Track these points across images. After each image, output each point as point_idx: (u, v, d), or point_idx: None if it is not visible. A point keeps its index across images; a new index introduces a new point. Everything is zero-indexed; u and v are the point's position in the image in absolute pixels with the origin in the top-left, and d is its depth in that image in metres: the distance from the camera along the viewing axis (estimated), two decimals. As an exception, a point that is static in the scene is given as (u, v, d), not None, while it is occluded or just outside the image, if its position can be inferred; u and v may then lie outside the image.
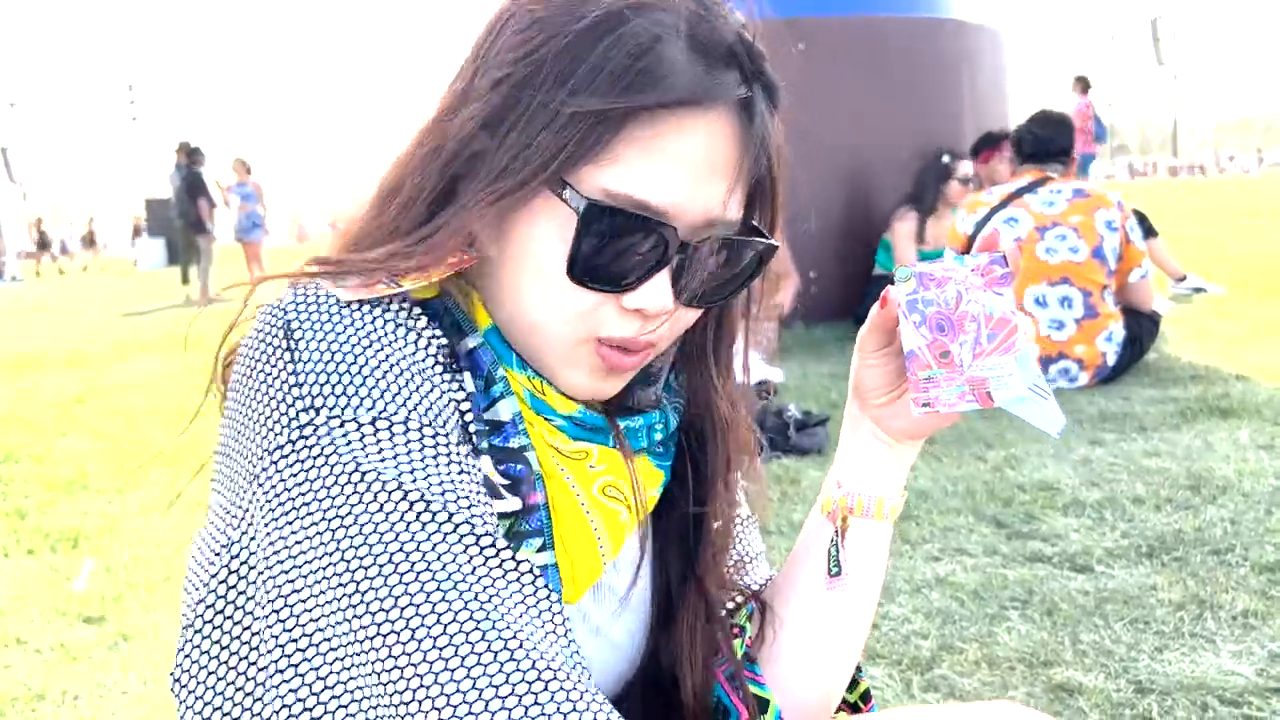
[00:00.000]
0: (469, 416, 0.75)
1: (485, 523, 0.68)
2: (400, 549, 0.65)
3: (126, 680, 2.18)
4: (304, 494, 0.67)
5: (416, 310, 0.74)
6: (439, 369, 0.73)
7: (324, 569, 0.66)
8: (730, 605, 0.93)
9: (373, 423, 0.68)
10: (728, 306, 0.86)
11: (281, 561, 0.67)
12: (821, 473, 3.27)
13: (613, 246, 0.72)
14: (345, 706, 0.66)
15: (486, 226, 0.74)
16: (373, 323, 0.71)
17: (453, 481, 0.68)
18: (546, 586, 0.69)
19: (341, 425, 0.68)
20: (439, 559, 0.65)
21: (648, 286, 0.73)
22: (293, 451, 0.68)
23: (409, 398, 0.69)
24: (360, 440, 0.67)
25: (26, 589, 2.75)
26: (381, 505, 0.66)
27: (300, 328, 0.71)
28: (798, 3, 6.66)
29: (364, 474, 0.66)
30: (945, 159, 6.16)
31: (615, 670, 0.86)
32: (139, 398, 5.66)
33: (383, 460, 0.67)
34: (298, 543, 0.67)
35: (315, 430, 0.68)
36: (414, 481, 0.67)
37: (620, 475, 0.80)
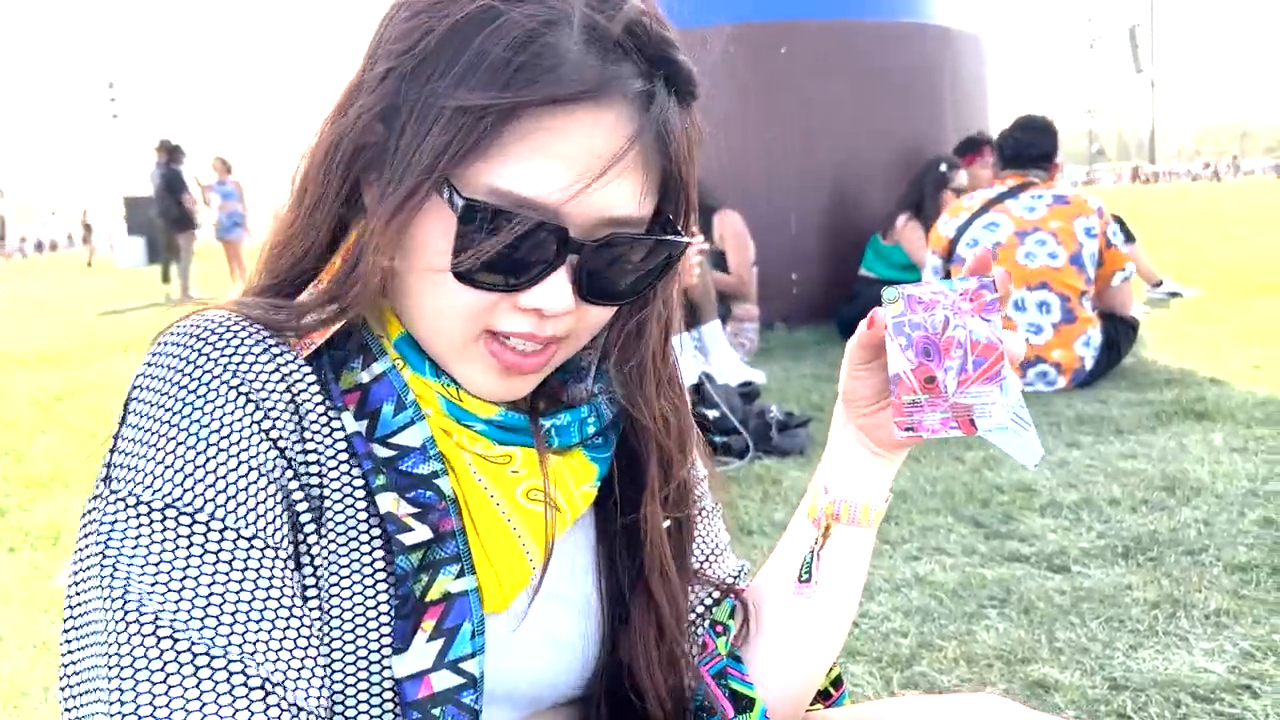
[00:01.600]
0: (335, 468, 0.74)
1: (242, 658, 0.65)
2: (132, 673, 0.64)
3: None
4: (78, 569, 0.70)
5: (287, 361, 0.73)
6: (266, 446, 0.70)
7: (78, 663, 0.70)
8: (709, 601, 0.94)
9: (136, 505, 0.67)
10: (645, 301, 0.83)
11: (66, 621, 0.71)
12: (803, 473, 3.29)
13: (498, 246, 0.69)
14: None
15: (388, 235, 0.72)
16: (205, 398, 0.69)
17: (193, 584, 0.66)
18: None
19: (125, 507, 0.68)
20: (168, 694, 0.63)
21: (543, 286, 0.72)
22: (87, 514, 0.72)
23: (207, 483, 0.68)
24: (135, 529, 0.67)
25: (7, 586, 2.74)
26: (127, 627, 0.65)
27: (134, 401, 0.72)
28: (781, 6, 6.71)
29: (118, 587, 0.66)
30: (943, 168, 6.18)
31: (570, 670, 0.85)
32: (118, 397, 5.60)
33: (145, 564, 0.66)
34: (71, 610, 0.71)
35: (106, 501, 0.69)
36: (162, 607, 0.65)
37: (552, 476, 0.80)
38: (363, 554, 0.74)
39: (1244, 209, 18.81)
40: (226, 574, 0.66)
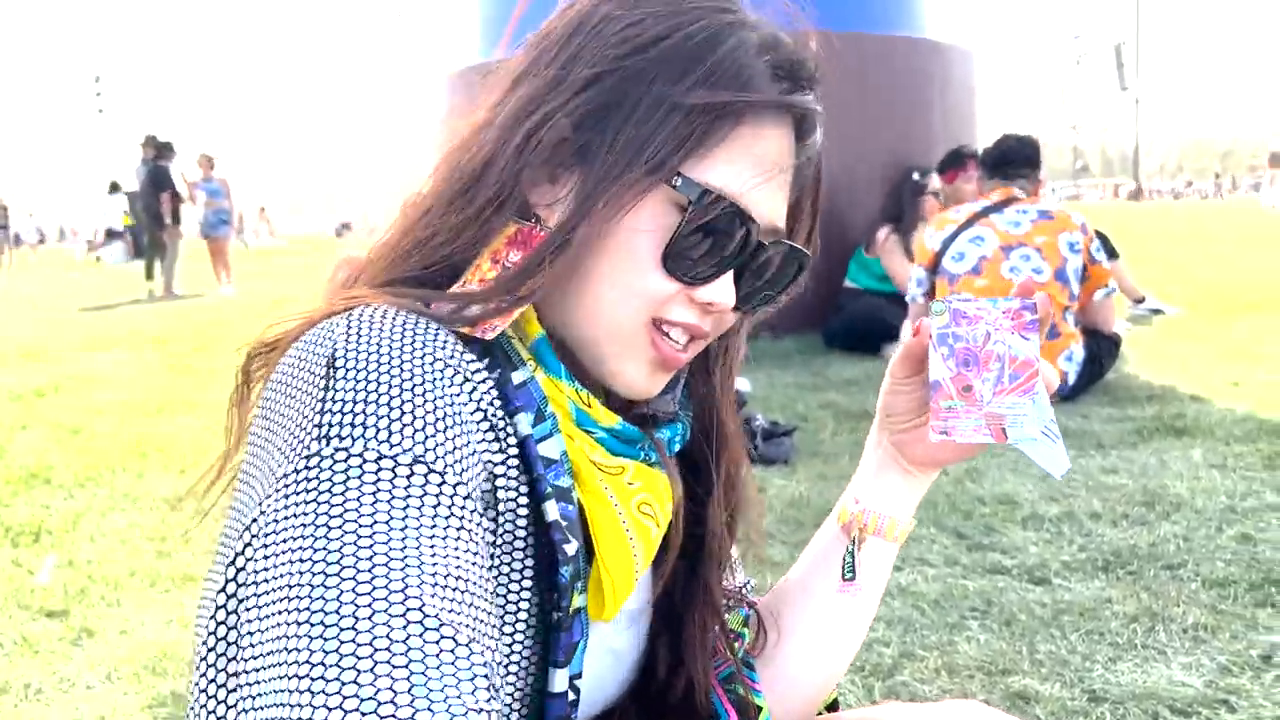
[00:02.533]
0: (512, 467, 0.71)
1: (454, 614, 0.59)
2: (354, 627, 0.56)
3: (89, 675, 2.17)
4: (293, 528, 0.61)
5: (468, 354, 0.70)
6: (483, 423, 0.69)
7: (281, 626, 0.58)
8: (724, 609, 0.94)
9: (377, 460, 0.62)
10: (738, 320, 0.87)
11: (258, 597, 0.60)
12: (787, 482, 3.31)
13: (708, 239, 0.74)
14: None
15: (604, 226, 0.72)
16: (423, 365, 0.67)
17: (443, 549, 0.61)
18: (493, 690, 0.58)
19: (346, 460, 0.62)
20: (391, 648, 0.56)
21: (720, 282, 0.76)
22: (295, 482, 0.62)
23: (437, 441, 0.65)
24: (359, 480, 0.61)
25: (-13, 582, 2.73)
26: (353, 585, 0.58)
27: (344, 363, 0.66)
28: (774, 17, 6.75)
29: (344, 543, 0.59)
30: (916, 176, 6.26)
31: (620, 680, 0.87)
32: (100, 393, 5.60)
33: (374, 514, 0.60)
34: (273, 579, 0.60)
35: (320, 462, 0.62)
36: (387, 559, 0.59)
37: (653, 491, 0.79)
38: (519, 560, 0.72)
39: (1226, 228, 18.98)
40: (459, 537, 0.63)
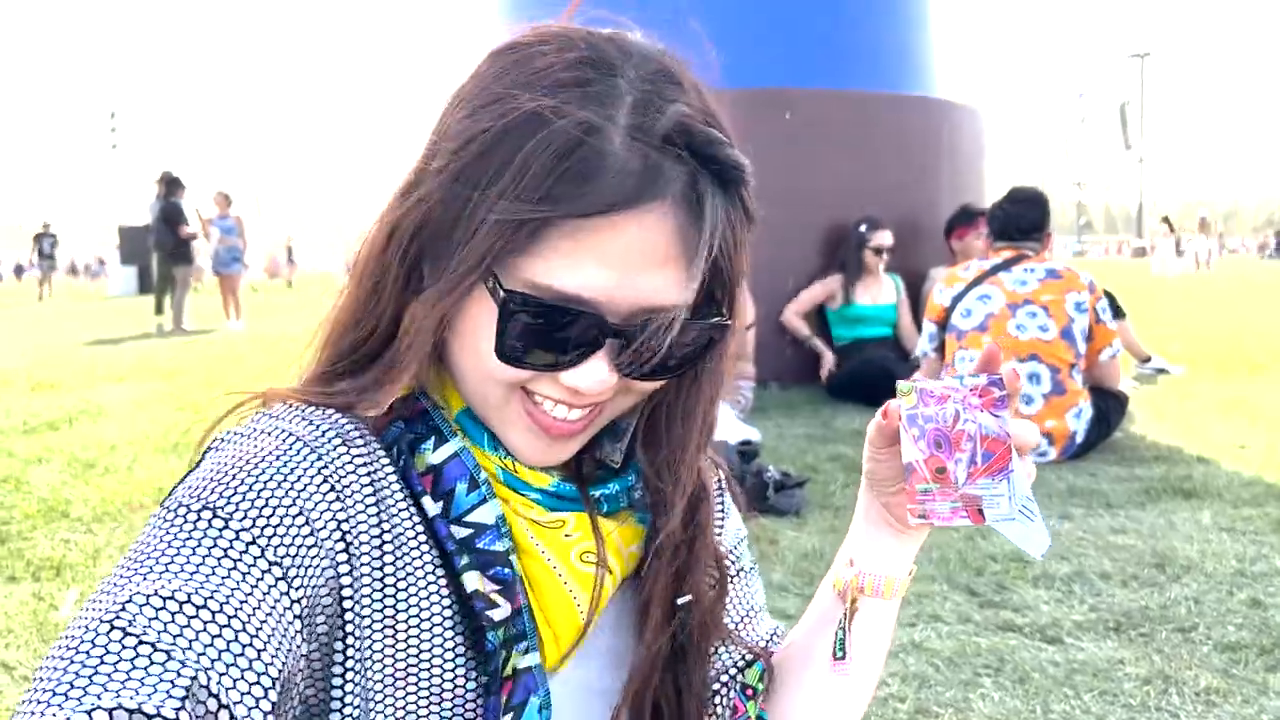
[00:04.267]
0: (423, 543, 0.77)
1: (171, 634, 0.61)
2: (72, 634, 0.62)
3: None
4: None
5: (370, 446, 0.77)
6: (335, 533, 0.73)
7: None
8: (740, 663, 0.97)
9: (200, 510, 0.69)
10: (688, 376, 0.84)
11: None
12: (799, 534, 3.34)
13: (539, 333, 0.73)
14: None
15: (432, 318, 0.76)
16: (296, 461, 0.73)
17: (209, 584, 0.65)
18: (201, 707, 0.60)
19: (162, 511, 0.70)
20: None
21: (583, 368, 0.75)
22: (150, 525, 0.70)
23: (260, 508, 0.70)
24: (178, 526, 0.68)
25: (10, 616, 2.75)
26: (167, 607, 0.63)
27: (217, 444, 0.75)
28: (787, 73, 6.87)
29: (121, 572, 0.66)
30: (862, 228, 6.50)
31: (603, 716, 0.89)
32: (112, 426, 5.64)
33: (176, 554, 0.66)
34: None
35: (158, 515, 0.70)
36: (132, 577, 0.65)
37: (607, 539, 0.83)
38: (445, 635, 0.78)
39: (1229, 286, 19.08)
40: (223, 577, 0.65)
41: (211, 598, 0.64)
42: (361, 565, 0.75)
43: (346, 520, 0.74)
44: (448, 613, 0.78)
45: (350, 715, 0.74)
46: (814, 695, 0.96)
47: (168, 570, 0.65)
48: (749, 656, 0.97)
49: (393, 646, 0.76)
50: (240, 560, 0.67)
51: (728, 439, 4.15)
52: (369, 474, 0.77)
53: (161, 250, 13.59)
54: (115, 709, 0.56)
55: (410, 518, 0.78)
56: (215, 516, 0.68)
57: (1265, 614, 2.60)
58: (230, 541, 0.67)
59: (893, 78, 7.26)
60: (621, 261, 0.72)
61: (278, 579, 0.68)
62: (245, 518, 0.69)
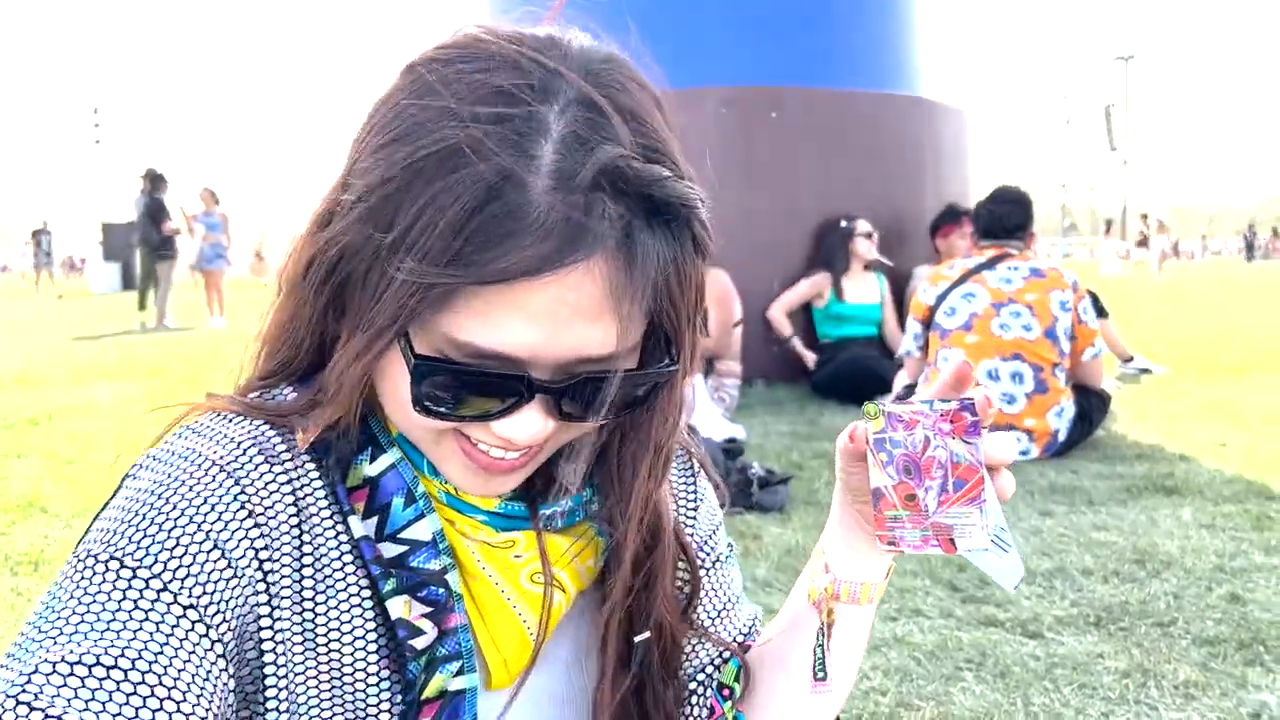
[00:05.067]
0: (350, 563, 0.75)
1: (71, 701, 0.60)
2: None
3: None
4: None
5: (297, 461, 0.75)
6: (265, 551, 0.71)
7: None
8: (717, 660, 0.95)
9: (107, 561, 0.67)
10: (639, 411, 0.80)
11: None
12: (783, 530, 3.34)
13: (462, 389, 0.69)
14: None
15: (352, 374, 0.73)
16: (211, 488, 0.70)
17: (124, 643, 0.63)
18: None
19: (75, 560, 0.68)
20: None
21: (514, 419, 0.71)
22: (62, 575, 0.69)
23: (171, 549, 0.68)
24: (88, 580, 0.66)
25: (-14, 610, 2.73)
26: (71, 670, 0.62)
27: (134, 472, 0.73)
28: (772, 72, 6.88)
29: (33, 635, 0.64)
30: (844, 223, 6.53)
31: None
32: (94, 422, 5.60)
33: (87, 611, 0.64)
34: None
35: (70, 565, 0.68)
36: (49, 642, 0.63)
37: (556, 558, 0.81)
38: (368, 658, 0.76)
39: (1210, 288, 19.21)
40: (134, 631, 0.64)
41: (122, 656, 0.62)
42: (282, 592, 0.72)
43: (265, 548, 0.72)
44: (372, 635, 0.76)
45: None
46: (789, 703, 0.93)
47: (77, 631, 0.63)
48: (725, 654, 0.95)
49: (315, 671, 0.75)
50: (151, 611, 0.65)
51: (713, 436, 4.16)
52: (292, 492, 0.74)
53: (145, 247, 13.52)
54: None
55: (336, 537, 0.75)
56: (123, 567, 0.66)
57: (1244, 609, 2.61)
58: (140, 592, 0.65)
59: (878, 77, 7.28)
60: (547, 318, 0.66)
61: (194, 622, 0.66)
62: (155, 563, 0.67)
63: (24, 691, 0.59)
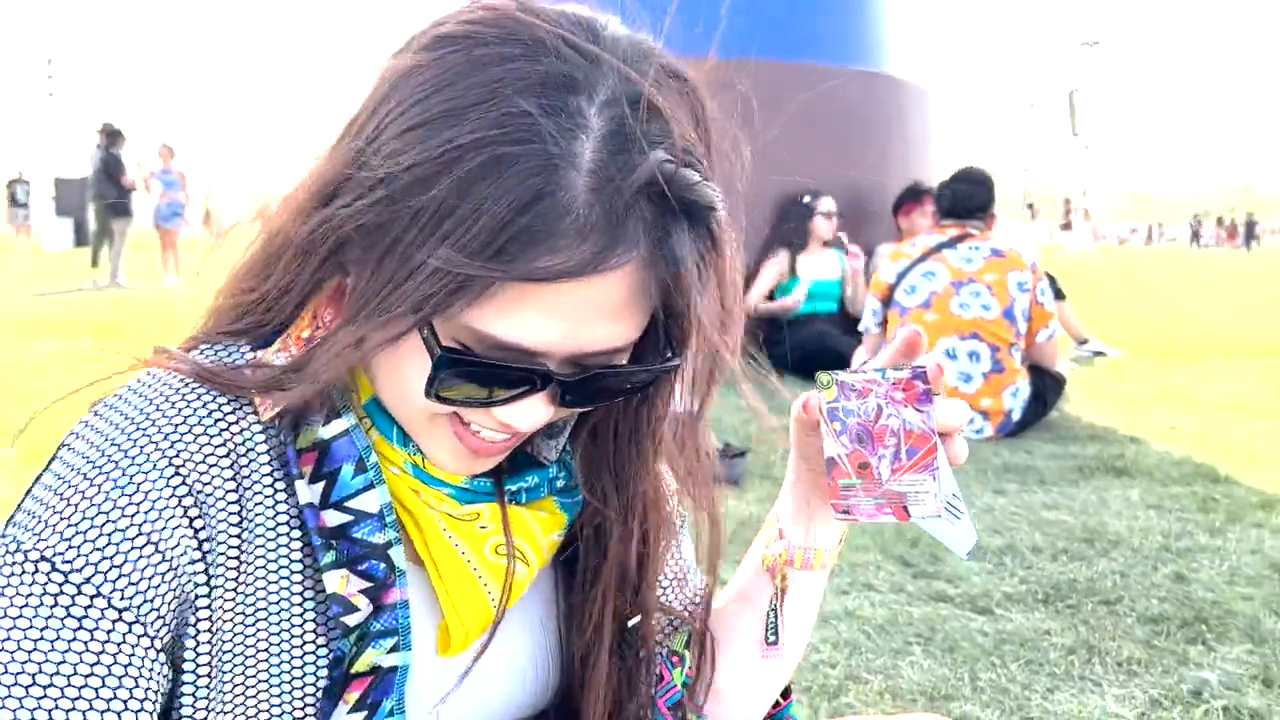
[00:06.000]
0: (287, 533, 0.73)
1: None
2: None
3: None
4: None
5: (242, 424, 0.73)
6: (188, 530, 0.69)
7: None
8: (667, 629, 0.95)
9: (36, 563, 0.66)
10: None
11: None
12: (739, 503, 3.34)
13: (476, 378, 0.69)
14: None
15: (359, 356, 0.71)
16: (142, 463, 0.69)
17: (53, 661, 0.65)
18: None
19: (16, 551, 0.67)
20: None
21: (519, 405, 0.71)
22: None
23: (110, 561, 0.67)
24: (16, 578, 0.66)
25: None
26: None
27: (66, 450, 0.71)
28: (734, 43, 6.85)
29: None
30: (806, 199, 6.51)
31: (525, 690, 0.88)
32: (40, 382, 5.49)
33: (15, 619, 0.65)
34: None
35: (6, 554, 0.68)
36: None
37: (521, 531, 0.80)
38: (294, 630, 0.74)
39: (1161, 273, 19.50)
40: (81, 643, 0.66)
41: (59, 675, 0.64)
42: (217, 567, 0.71)
43: (204, 528, 0.70)
44: (303, 606, 0.74)
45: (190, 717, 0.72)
46: (741, 670, 0.94)
47: (9, 639, 0.65)
48: (676, 621, 0.95)
49: (244, 639, 0.73)
50: (85, 618, 0.66)
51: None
52: (232, 465, 0.72)
53: (100, 203, 13.26)
54: None
55: (275, 505, 0.73)
56: (54, 570, 0.66)
57: (1187, 588, 2.66)
58: (72, 598, 0.66)
59: (843, 52, 7.27)
60: (574, 316, 0.67)
61: (130, 624, 0.67)
62: (88, 565, 0.66)
63: None
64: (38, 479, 0.71)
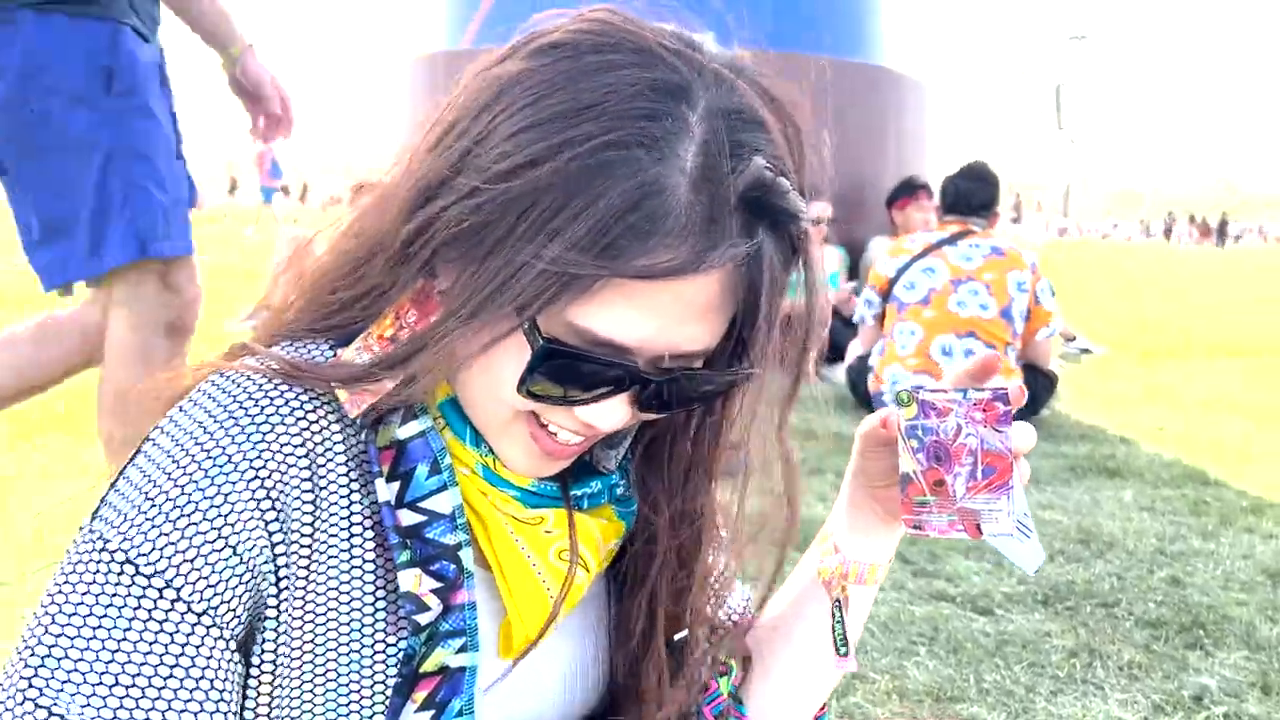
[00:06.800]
0: (369, 534, 0.74)
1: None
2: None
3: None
4: (44, 601, 0.71)
5: (323, 424, 0.74)
6: (275, 522, 0.72)
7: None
8: (713, 638, 0.96)
9: (121, 564, 0.69)
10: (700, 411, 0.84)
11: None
12: (735, 495, 3.36)
13: (569, 374, 0.71)
14: None
15: (459, 358, 0.74)
16: (224, 465, 0.71)
17: (138, 669, 0.69)
18: None
19: (101, 549, 0.70)
20: None
21: (603, 406, 0.73)
22: (69, 553, 0.72)
23: (190, 562, 0.69)
24: (97, 575, 0.69)
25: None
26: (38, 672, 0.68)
27: (149, 445, 0.73)
28: (738, 34, 6.83)
29: (52, 632, 0.68)
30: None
31: (573, 699, 0.89)
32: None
33: (98, 623, 0.68)
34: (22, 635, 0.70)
35: (83, 536, 0.72)
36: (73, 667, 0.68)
37: (584, 538, 0.82)
38: (365, 632, 0.75)
39: (1141, 270, 19.65)
40: (162, 645, 0.69)
41: (139, 674, 0.68)
42: (288, 569, 0.73)
43: (280, 530, 0.72)
44: (374, 605, 0.75)
45: (262, 714, 0.74)
46: (793, 678, 0.96)
47: (95, 637, 0.68)
48: (720, 631, 0.97)
49: (312, 636, 0.74)
50: (165, 621, 0.69)
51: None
52: (309, 462, 0.73)
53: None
54: None
55: (350, 504, 0.74)
56: (138, 573, 0.69)
57: (1184, 592, 2.69)
58: (155, 602, 0.69)
59: (840, 44, 7.26)
60: (666, 314, 0.70)
61: (208, 626, 0.70)
62: (169, 567, 0.69)
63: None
64: (121, 472, 0.73)
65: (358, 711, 0.75)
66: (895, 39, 7.80)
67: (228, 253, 13.13)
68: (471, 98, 0.73)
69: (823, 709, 1.04)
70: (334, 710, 0.74)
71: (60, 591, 0.70)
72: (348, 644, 0.75)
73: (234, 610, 0.71)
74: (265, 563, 0.72)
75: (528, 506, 0.80)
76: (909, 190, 6.72)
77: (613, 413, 0.74)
